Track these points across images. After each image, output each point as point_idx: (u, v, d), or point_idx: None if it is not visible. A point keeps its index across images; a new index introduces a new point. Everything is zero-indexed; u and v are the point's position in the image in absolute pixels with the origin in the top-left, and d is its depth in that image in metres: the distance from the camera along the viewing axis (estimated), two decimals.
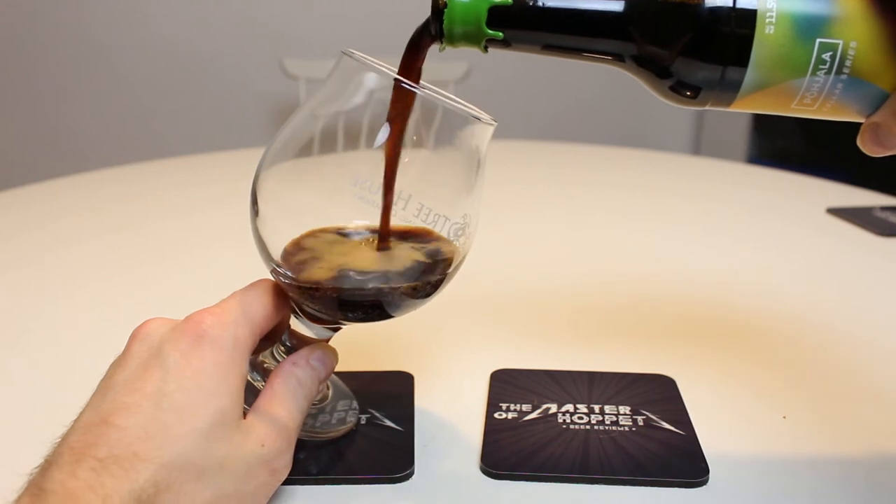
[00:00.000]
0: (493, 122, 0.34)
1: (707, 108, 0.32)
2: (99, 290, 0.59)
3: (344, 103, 0.34)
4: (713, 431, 0.39)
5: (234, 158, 1.03)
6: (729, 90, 0.31)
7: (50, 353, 0.49)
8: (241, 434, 0.30)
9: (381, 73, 0.33)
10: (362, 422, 0.40)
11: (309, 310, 0.36)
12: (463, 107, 0.33)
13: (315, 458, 0.36)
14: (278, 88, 2.00)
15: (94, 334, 0.51)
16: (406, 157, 0.33)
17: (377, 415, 0.40)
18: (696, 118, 2.54)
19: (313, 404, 0.38)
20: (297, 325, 0.37)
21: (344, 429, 0.39)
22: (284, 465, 0.32)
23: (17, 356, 0.49)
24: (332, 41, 2.02)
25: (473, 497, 0.35)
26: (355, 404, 0.40)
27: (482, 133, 0.34)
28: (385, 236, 0.34)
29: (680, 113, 2.53)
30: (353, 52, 0.33)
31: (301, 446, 0.36)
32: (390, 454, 0.37)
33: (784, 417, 0.42)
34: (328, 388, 0.40)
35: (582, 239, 0.73)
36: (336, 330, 0.38)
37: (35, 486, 0.27)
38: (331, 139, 0.35)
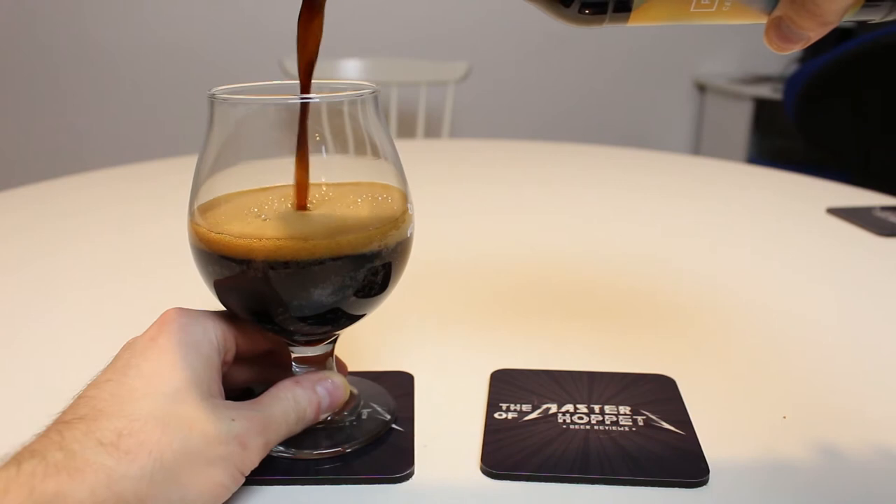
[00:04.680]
0: (376, 88, 0.36)
1: (605, 24, 0.31)
2: (99, 290, 0.59)
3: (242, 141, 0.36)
4: (713, 431, 0.39)
5: None
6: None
7: (50, 352, 0.49)
8: (210, 405, 0.31)
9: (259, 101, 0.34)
10: (393, 425, 0.39)
11: (285, 323, 0.36)
12: (342, 92, 0.35)
13: (315, 458, 0.36)
14: None
15: (94, 334, 0.51)
16: (319, 165, 0.35)
17: None
18: (696, 118, 2.54)
19: (345, 413, 0.39)
20: (296, 351, 0.38)
21: (380, 431, 0.39)
22: (258, 446, 0.32)
23: (17, 356, 0.49)
24: (331, 41, 2.02)
25: (473, 497, 0.35)
26: (388, 406, 0.41)
27: (372, 103, 0.36)
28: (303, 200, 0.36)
29: (680, 113, 2.53)
30: (220, 92, 0.36)
31: (300, 447, 0.36)
32: (390, 454, 0.37)
33: (784, 417, 0.42)
34: (357, 394, 0.40)
35: (582, 239, 0.73)
36: (333, 342, 0.38)
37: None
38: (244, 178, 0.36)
